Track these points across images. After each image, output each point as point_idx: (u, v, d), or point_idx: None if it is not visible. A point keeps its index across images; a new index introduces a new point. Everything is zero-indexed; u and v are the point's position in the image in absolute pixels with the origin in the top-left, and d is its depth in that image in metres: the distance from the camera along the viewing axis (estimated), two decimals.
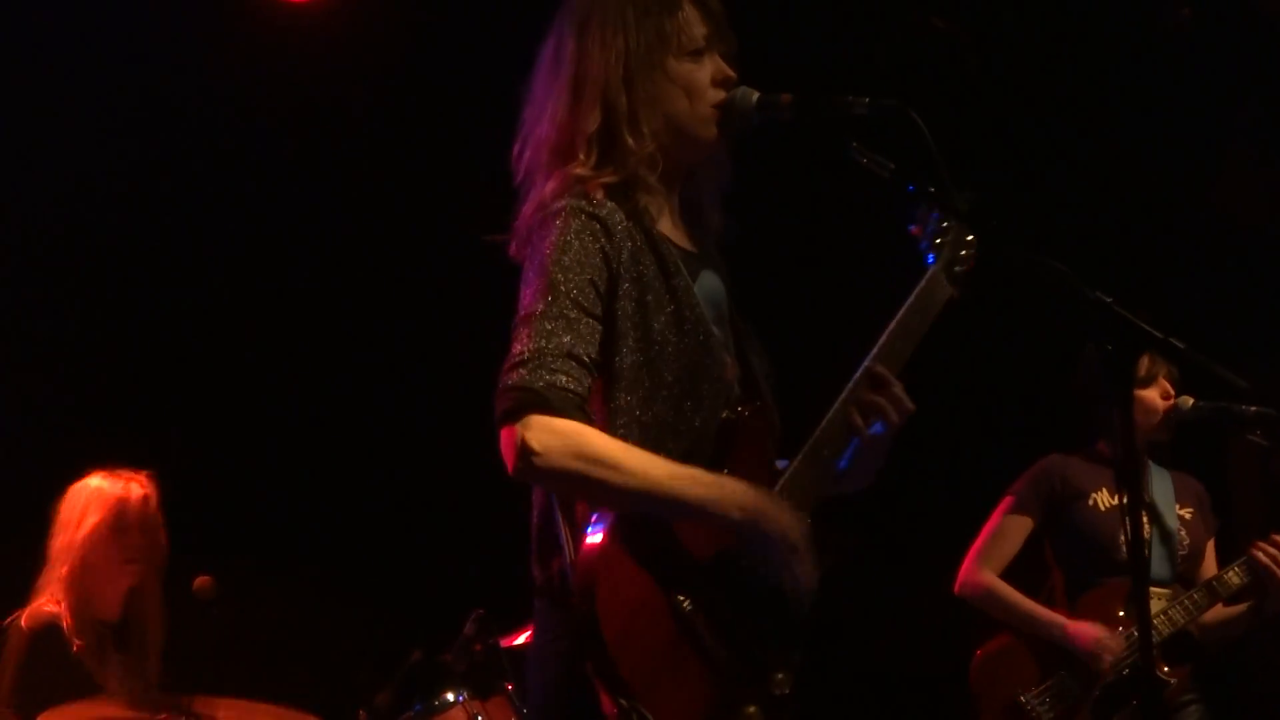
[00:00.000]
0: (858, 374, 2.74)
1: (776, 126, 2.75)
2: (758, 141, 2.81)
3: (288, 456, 5.93)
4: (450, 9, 5.86)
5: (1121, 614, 4.70)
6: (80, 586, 4.57)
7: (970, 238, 2.89)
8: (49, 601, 4.57)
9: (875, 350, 2.77)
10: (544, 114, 2.75)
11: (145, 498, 4.67)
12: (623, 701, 2.41)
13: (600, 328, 2.56)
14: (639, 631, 2.45)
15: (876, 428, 2.73)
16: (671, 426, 2.60)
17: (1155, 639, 4.64)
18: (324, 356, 6.04)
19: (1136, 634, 4.58)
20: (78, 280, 5.76)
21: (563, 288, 2.54)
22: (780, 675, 2.56)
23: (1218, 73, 6.05)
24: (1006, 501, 5.00)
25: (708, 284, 2.75)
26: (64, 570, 4.58)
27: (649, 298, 2.61)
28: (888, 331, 2.79)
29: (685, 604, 2.49)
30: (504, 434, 2.49)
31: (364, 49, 5.79)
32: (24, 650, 4.48)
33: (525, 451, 2.45)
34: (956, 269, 2.89)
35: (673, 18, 2.74)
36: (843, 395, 2.73)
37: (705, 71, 2.75)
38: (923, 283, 2.86)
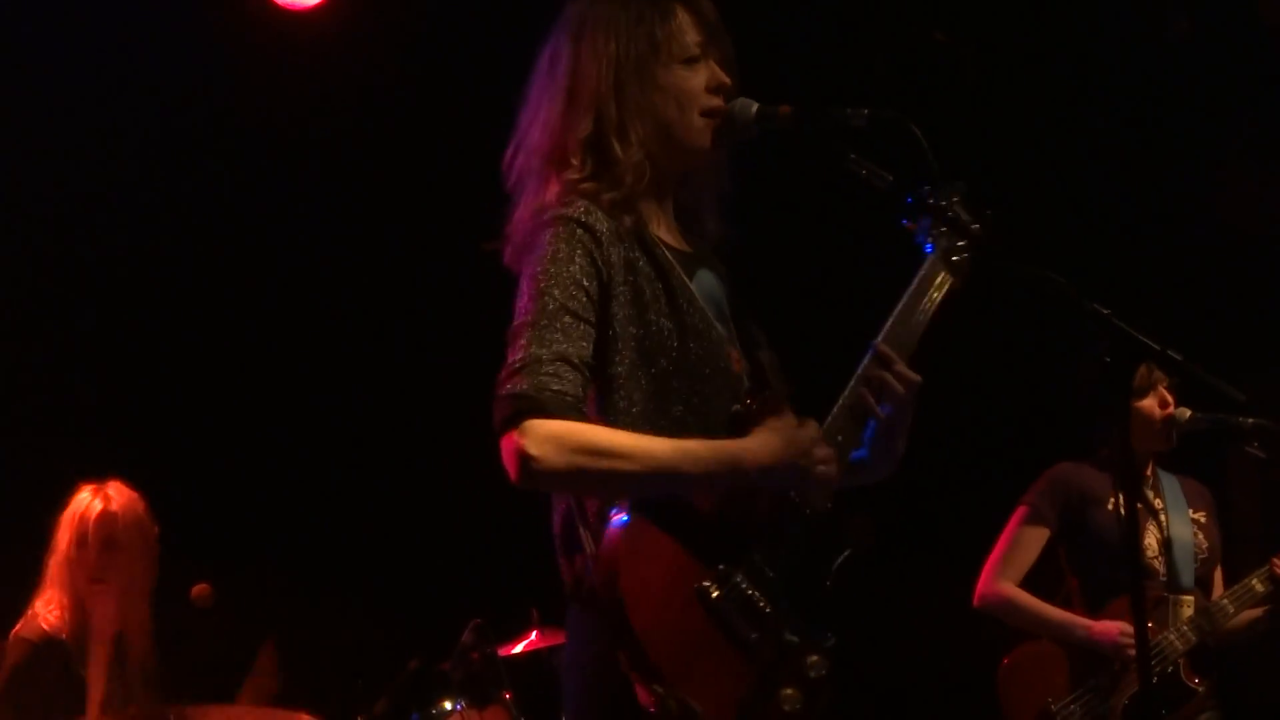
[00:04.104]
0: (865, 358, 2.75)
1: (776, 137, 2.75)
2: (757, 152, 2.81)
3: (286, 464, 5.93)
4: (449, 16, 5.87)
5: (1149, 623, 4.68)
6: (75, 605, 4.56)
7: (972, 226, 2.86)
8: (47, 615, 4.55)
9: (881, 335, 2.77)
10: (537, 120, 2.76)
11: (106, 514, 4.58)
12: (658, 688, 2.39)
13: (593, 332, 2.57)
14: (669, 620, 2.45)
15: (886, 408, 2.73)
16: (679, 422, 2.60)
17: (1183, 646, 4.66)
18: (324, 363, 6.04)
19: (1165, 639, 4.63)
20: (75, 286, 5.76)
21: (554, 294, 2.55)
22: (814, 658, 2.55)
23: (1218, 83, 6.06)
24: (1021, 512, 4.94)
25: (705, 282, 2.75)
26: (65, 592, 4.56)
27: (645, 298, 2.62)
28: (891, 318, 2.79)
29: (712, 590, 2.49)
30: (504, 443, 2.49)
31: (364, 56, 5.79)
32: (23, 662, 4.47)
33: (525, 459, 2.45)
34: (954, 258, 2.86)
35: (665, 25, 2.74)
36: (851, 382, 2.73)
37: (699, 79, 2.75)
38: (922, 270, 2.85)
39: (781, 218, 5.81)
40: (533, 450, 2.45)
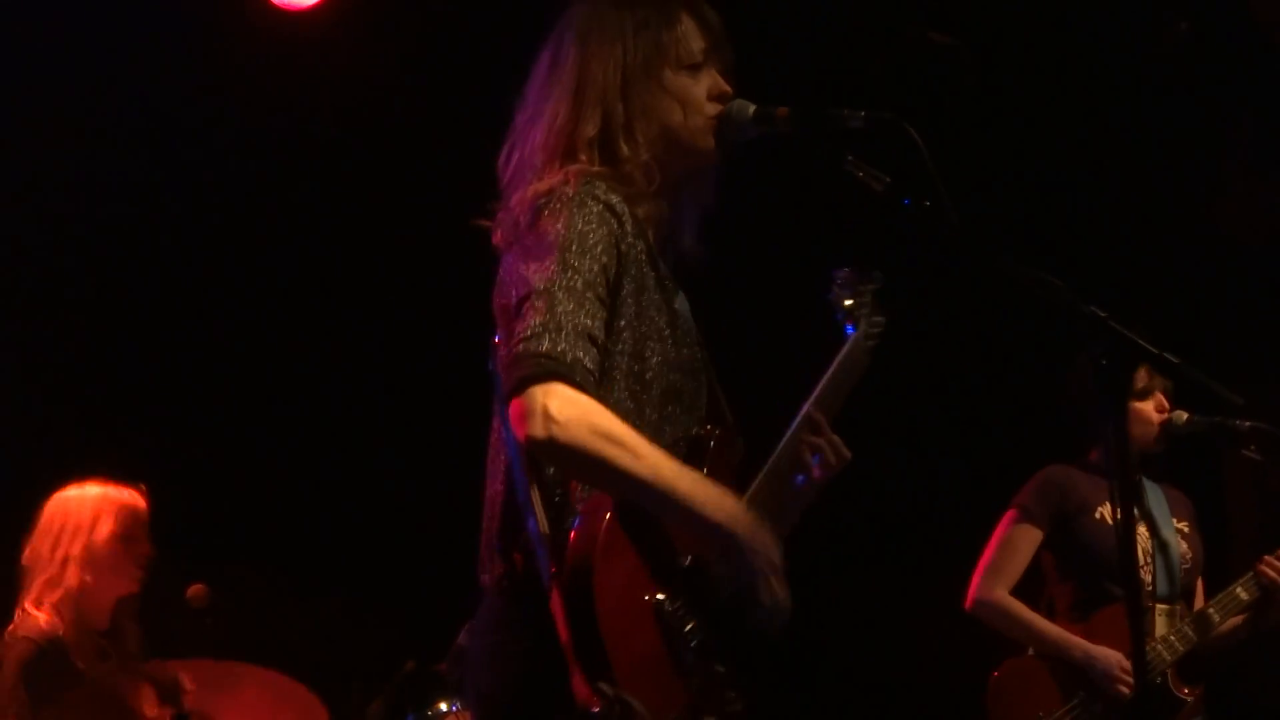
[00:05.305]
0: (796, 421, 2.79)
1: (772, 139, 2.76)
2: (753, 154, 2.81)
3: (281, 464, 5.93)
4: (448, 16, 5.87)
5: None
6: (87, 596, 4.54)
7: (880, 319, 3.00)
8: (40, 613, 4.53)
9: (813, 398, 2.81)
10: (539, 119, 2.74)
11: (147, 510, 4.65)
12: (605, 687, 2.35)
13: (606, 315, 2.54)
14: (627, 625, 2.43)
15: (814, 474, 2.78)
16: (653, 427, 2.59)
17: (1171, 657, 4.65)
18: (319, 363, 6.04)
19: (1153, 650, 4.61)
20: (70, 286, 5.76)
21: (577, 268, 2.51)
22: (733, 694, 2.55)
23: (1216, 88, 6.06)
24: (1012, 514, 4.91)
25: (682, 306, 2.76)
26: (73, 579, 4.54)
27: (644, 301, 2.62)
28: (819, 387, 2.85)
29: (667, 605, 2.49)
30: (520, 400, 2.43)
31: (363, 56, 5.80)
32: (28, 660, 4.45)
33: (546, 418, 2.40)
34: (869, 343, 2.97)
35: (670, 31, 2.75)
36: (790, 432, 2.77)
37: (701, 85, 2.76)
38: (846, 348, 2.94)
39: (776, 224, 5.82)
40: (557, 414, 2.40)
